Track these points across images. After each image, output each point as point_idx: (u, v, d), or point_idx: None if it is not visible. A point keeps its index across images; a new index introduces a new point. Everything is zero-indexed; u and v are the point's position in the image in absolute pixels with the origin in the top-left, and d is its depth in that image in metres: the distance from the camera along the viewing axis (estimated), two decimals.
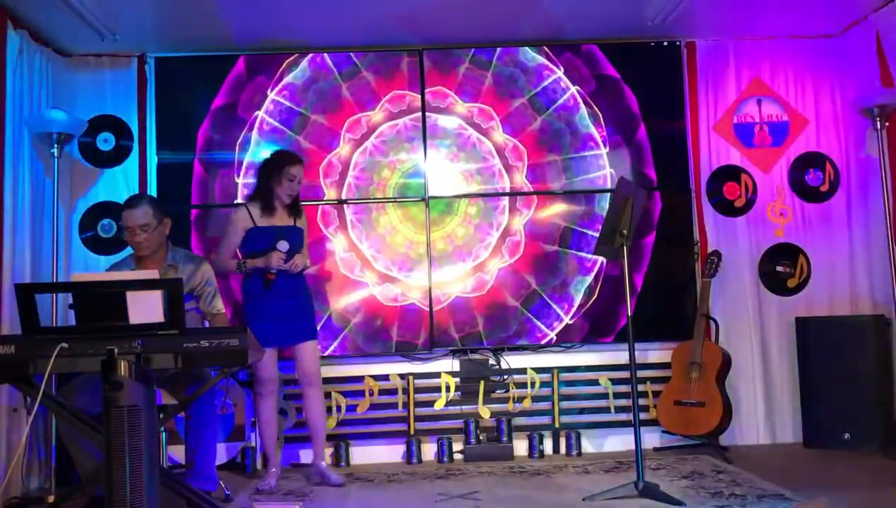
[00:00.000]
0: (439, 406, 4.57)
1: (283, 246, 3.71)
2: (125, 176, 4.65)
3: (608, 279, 4.68)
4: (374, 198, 4.68)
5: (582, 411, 4.65)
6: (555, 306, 4.66)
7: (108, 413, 2.45)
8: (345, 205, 4.67)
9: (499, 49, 4.77)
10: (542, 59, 4.78)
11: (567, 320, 4.66)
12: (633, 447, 3.48)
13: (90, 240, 4.61)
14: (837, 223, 4.82)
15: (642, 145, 4.77)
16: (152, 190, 4.61)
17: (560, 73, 4.78)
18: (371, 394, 4.56)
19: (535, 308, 4.65)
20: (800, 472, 3.94)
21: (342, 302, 4.61)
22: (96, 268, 4.47)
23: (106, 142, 4.65)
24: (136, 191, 4.59)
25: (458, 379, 4.59)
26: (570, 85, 4.78)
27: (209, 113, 4.66)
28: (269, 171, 3.86)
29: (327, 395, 4.52)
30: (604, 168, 4.75)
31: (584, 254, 4.69)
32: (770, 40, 4.89)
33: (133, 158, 4.66)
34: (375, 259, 4.65)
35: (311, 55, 4.71)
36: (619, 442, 4.63)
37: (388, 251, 4.66)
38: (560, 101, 4.77)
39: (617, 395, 4.62)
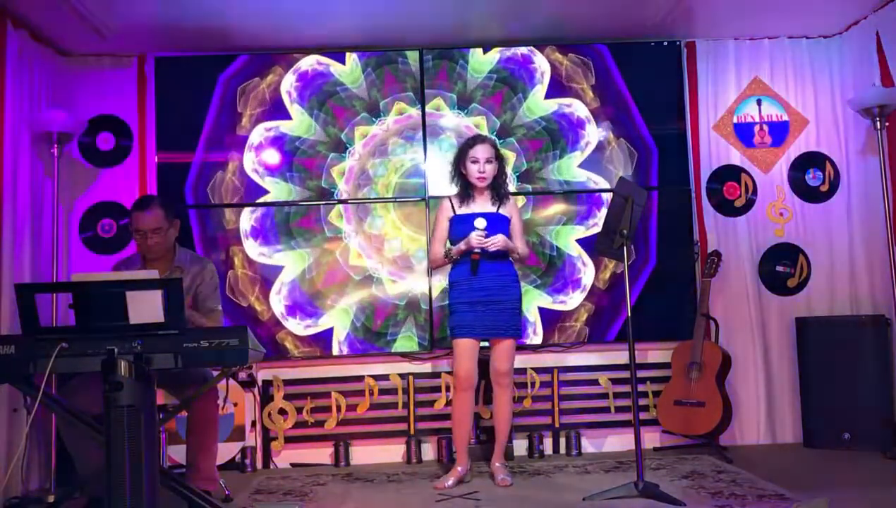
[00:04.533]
0: (439, 406, 4.57)
1: (481, 223, 3.69)
2: (125, 176, 4.65)
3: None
4: (374, 198, 4.68)
5: (582, 411, 4.65)
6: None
7: (108, 413, 2.45)
8: (344, 205, 4.67)
9: (498, 48, 4.77)
10: (540, 58, 4.78)
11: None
12: (633, 447, 3.49)
13: (90, 239, 4.61)
14: (837, 223, 4.82)
15: (642, 145, 4.77)
16: (152, 190, 4.61)
17: (559, 72, 4.79)
18: (371, 394, 4.56)
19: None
20: (800, 472, 3.94)
21: (342, 301, 4.61)
22: (96, 268, 4.47)
23: (106, 141, 4.65)
24: (136, 191, 4.59)
25: None
26: (568, 84, 4.78)
27: (209, 112, 4.66)
28: (457, 157, 3.90)
29: (326, 395, 4.52)
30: (603, 167, 4.75)
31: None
32: (770, 40, 4.89)
33: (133, 158, 4.65)
34: (374, 258, 4.65)
35: (310, 57, 4.72)
36: (618, 442, 4.63)
37: (387, 250, 4.66)
38: (558, 100, 4.77)
39: (617, 395, 4.62)
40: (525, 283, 4.54)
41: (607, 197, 4.64)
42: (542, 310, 4.66)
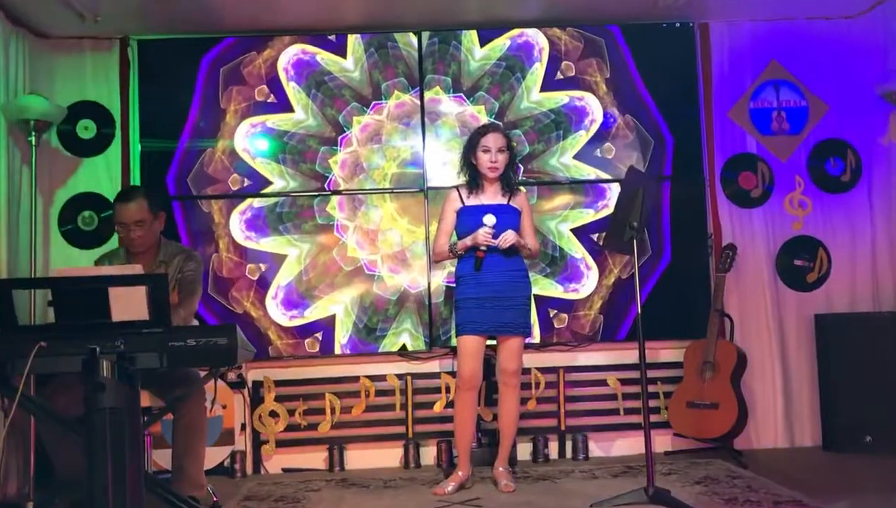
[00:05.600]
0: (439, 408, 4.58)
1: (490, 219, 3.68)
2: (107, 165, 4.65)
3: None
4: (370, 189, 4.68)
5: (589, 413, 4.65)
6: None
7: (89, 415, 2.45)
8: (338, 196, 4.68)
9: (503, 30, 4.76)
10: (544, 41, 4.77)
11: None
12: (643, 450, 3.49)
13: (70, 233, 4.61)
14: (859, 214, 4.82)
15: (653, 132, 4.77)
16: (136, 179, 4.61)
17: (558, 48, 4.78)
18: (367, 395, 4.56)
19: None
20: (819, 477, 3.95)
21: (335, 297, 4.61)
22: (77, 263, 4.47)
23: (87, 129, 4.65)
24: (119, 181, 4.59)
25: None
26: (575, 69, 4.78)
27: (195, 98, 4.66)
28: (467, 146, 3.91)
29: (319, 396, 4.53)
30: (612, 156, 4.75)
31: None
32: (788, 21, 4.88)
33: (115, 147, 4.65)
34: (368, 249, 4.65)
35: (294, 46, 4.71)
36: (628, 446, 4.64)
37: (384, 244, 4.66)
38: (564, 86, 4.77)
39: (626, 396, 4.63)
40: (534, 273, 4.56)
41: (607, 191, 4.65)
42: (554, 300, 4.66)
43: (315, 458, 4.56)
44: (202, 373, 3.41)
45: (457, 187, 3.95)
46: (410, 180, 4.71)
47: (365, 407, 4.57)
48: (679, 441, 4.59)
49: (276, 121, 4.68)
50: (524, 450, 4.56)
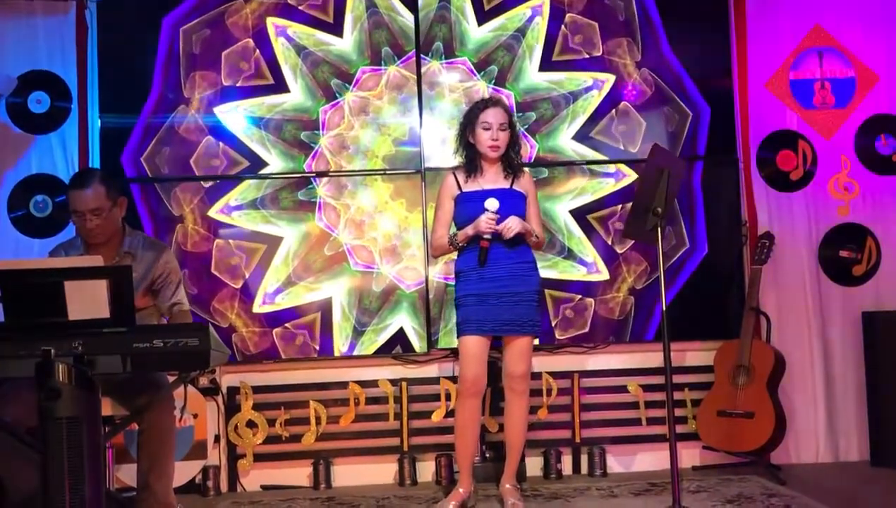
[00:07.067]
0: (438, 417, 4.58)
1: (493, 204, 3.67)
2: (62, 143, 4.64)
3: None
4: (359, 171, 4.68)
5: (607, 423, 4.66)
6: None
7: (43, 426, 2.45)
8: (321, 179, 4.67)
9: (529, 5, 4.75)
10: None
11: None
12: (667, 466, 3.50)
13: (21, 220, 4.61)
14: None
15: (681, 106, 4.76)
16: (95, 160, 4.60)
17: (568, 7, 4.77)
18: (357, 403, 4.57)
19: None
20: (866, 496, 3.96)
21: (319, 292, 4.62)
22: (28, 254, 4.47)
23: (39, 102, 4.64)
24: (76, 161, 4.58)
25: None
26: (595, 35, 4.77)
27: (161, 65, 4.65)
28: (464, 125, 3.92)
29: (303, 404, 4.54)
30: (635, 134, 4.75)
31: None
32: None
33: (72, 122, 4.64)
34: (356, 237, 4.66)
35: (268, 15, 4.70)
36: (651, 460, 4.65)
37: (375, 233, 4.66)
38: (581, 54, 4.77)
39: (649, 404, 4.63)
40: (553, 255, 4.56)
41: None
42: (577, 284, 4.67)
43: (298, 474, 4.57)
44: (171, 378, 3.41)
45: (453, 171, 3.95)
46: (405, 159, 4.71)
47: (354, 416, 4.57)
48: (709, 454, 4.60)
49: (250, 105, 4.67)
50: (534, 465, 4.57)
